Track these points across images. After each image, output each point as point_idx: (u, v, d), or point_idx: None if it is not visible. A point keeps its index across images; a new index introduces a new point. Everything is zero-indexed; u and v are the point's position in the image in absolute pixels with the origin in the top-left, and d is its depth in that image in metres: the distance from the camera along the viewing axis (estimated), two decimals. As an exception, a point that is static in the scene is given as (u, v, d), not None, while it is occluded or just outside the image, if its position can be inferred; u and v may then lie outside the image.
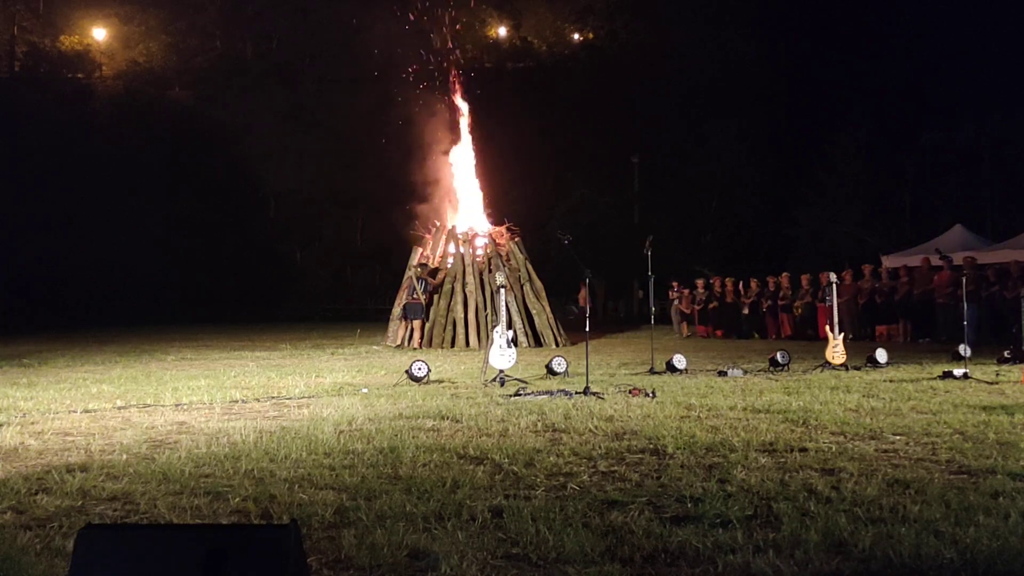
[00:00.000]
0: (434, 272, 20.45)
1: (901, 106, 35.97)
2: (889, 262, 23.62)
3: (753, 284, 23.29)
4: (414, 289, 19.78)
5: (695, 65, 41.41)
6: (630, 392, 9.76)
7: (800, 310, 21.55)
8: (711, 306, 24.01)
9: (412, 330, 19.78)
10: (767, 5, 40.10)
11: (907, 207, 33.47)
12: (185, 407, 9.34)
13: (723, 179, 40.28)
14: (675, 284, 26.13)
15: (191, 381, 12.02)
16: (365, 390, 10.64)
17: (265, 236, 46.64)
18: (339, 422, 7.96)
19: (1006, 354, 12.73)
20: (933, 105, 34.46)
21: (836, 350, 12.89)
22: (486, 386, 10.84)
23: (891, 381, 10.98)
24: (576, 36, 49.53)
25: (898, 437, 6.60)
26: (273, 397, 10.19)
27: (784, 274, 22.62)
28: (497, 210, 23.62)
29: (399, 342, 19.95)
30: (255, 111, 42.67)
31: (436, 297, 20.14)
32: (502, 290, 11.65)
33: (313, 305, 42.81)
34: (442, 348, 19.38)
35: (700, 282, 25.10)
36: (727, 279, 24.14)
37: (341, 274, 48.74)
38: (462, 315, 19.92)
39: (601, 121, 42.49)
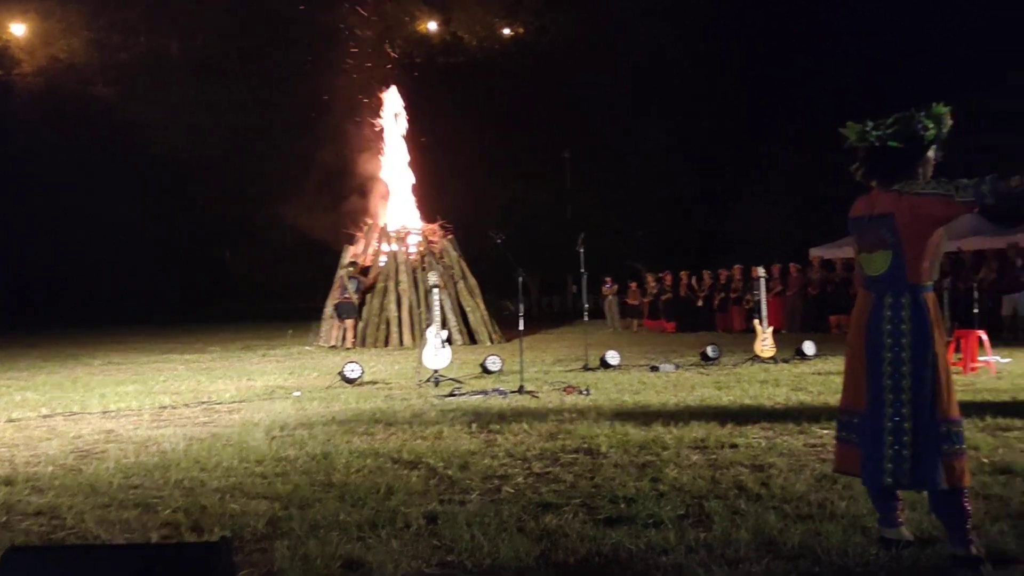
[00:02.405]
0: (365, 271, 20.33)
1: (832, 100, 36.65)
2: (817, 253, 24.04)
3: (706, 277, 23.53)
4: (346, 288, 19.62)
5: (627, 60, 41.62)
6: (564, 390, 9.82)
7: (752, 303, 21.83)
8: (663, 298, 24.20)
9: (345, 330, 19.62)
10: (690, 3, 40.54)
11: (838, 200, 34.05)
12: (113, 414, 9.16)
13: (656, 174, 40.62)
14: (608, 280, 26.31)
15: (119, 387, 11.80)
16: (297, 393, 10.54)
17: (193, 234, 45.87)
18: (271, 427, 7.87)
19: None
20: (863, 99, 35.16)
21: (765, 343, 13.11)
22: (420, 386, 10.81)
23: (819, 374, 11.20)
24: (506, 31, 49.44)
25: (825, 432, 6.72)
26: (203, 402, 10.05)
27: (736, 267, 22.85)
28: (430, 207, 23.53)
29: (332, 342, 19.78)
30: (182, 108, 41.88)
31: (369, 296, 20.02)
32: (435, 290, 11.63)
33: (243, 304, 42.27)
34: (376, 347, 19.26)
35: (650, 276, 25.27)
36: (681, 272, 24.30)
37: (272, 272, 48.14)
38: (395, 314, 19.82)
39: (534, 116, 42.50)
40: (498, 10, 47.17)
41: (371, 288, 20.03)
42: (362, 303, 19.87)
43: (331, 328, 20.04)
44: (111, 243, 42.60)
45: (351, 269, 20.02)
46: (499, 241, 10.90)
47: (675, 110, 39.72)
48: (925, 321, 3.85)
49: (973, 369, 10.64)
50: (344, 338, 19.58)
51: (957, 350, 10.95)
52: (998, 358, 11.32)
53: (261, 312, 39.42)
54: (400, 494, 5.28)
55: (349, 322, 19.48)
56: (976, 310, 12.66)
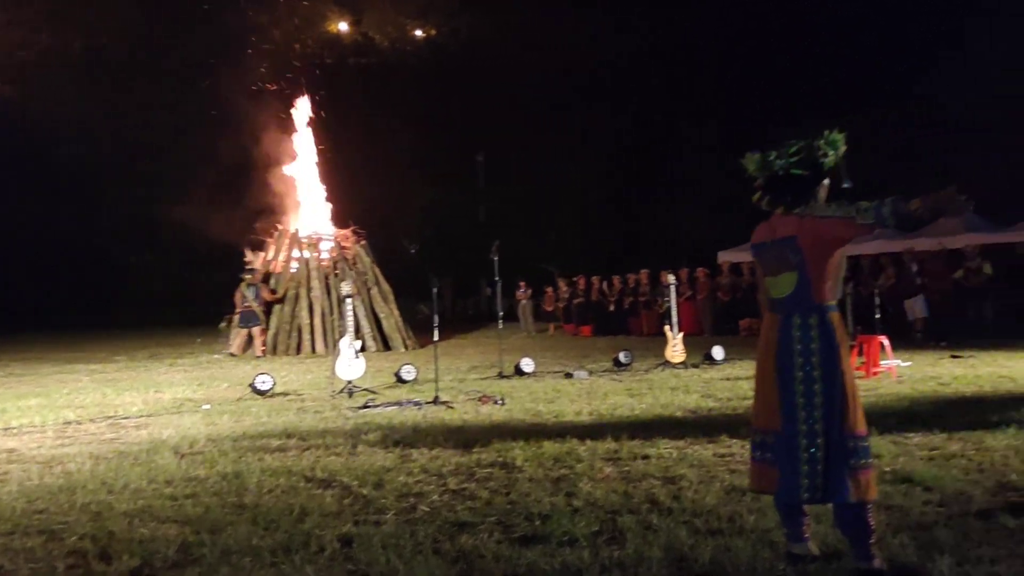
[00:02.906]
0: (267, 278, 20.03)
1: (746, 106, 37.41)
2: (726, 257, 24.49)
3: (616, 282, 23.78)
4: (246, 297, 19.31)
5: (540, 62, 41.81)
6: (479, 400, 9.83)
7: (664, 307, 22.14)
8: (576, 303, 24.38)
9: (252, 337, 19.33)
10: (616, 2, 40.93)
11: (745, 204, 34.69)
12: (14, 431, 8.88)
13: (570, 177, 40.94)
14: (522, 284, 26.42)
15: (20, 401, 11.43)
16: (207, 407, 10.35)
17: (97, 238, 44.64)
18: (180, 445, 7.72)
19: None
20: (776, 105, 35.98)
21: (675, 349, 13.32)
22: (334, 398, 10.71)
23: (728, 379, 11.42)
24: (418, 32, 49.21)
25: (734, 441, 6.86)
26: (109, 417, 9.81)
27: (643, 271, 23.14)
28: (343, 211, 23.32)
29: (241, 350, 19.45)
30: (86, 107, 40.74)
31: (281, 303, 19.75)
32: (348, 299, 11.53)
33: (149, 310, 41.27)
34: (287, 355, 19.02)
35: (563, 281, 25.45)
36: (593, 277, 24.52)
37: (178, 277, 47.08)
38: (307, 321, 19.61)
39: (448, 118, 42.48)
40: (409, 11, 46.91)
41: (280, 300, 19.76)
42: (268, 310, 19.60)
43: (239, 336, 19.71)
44: (7, 246, 41.14)
45: (250, 276, 19.68)
46: (412, 251, 10.87)
47: (588, 114, 40.06)
48: (832, 339, 3.97)
49: (875, 374, 10.97)
50: (250, 344, 19.27)
51: (860, 355, 11.28)
52: (899, 362, 11.69)
53: (168, 318, 38.55)
54: (314, 515, 5.23)
55: (256, 329, 19.20)
56: (877, 315, 13.05)
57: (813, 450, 3.90)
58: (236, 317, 19.65)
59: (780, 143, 4.22)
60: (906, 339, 15.56)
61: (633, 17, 40.57)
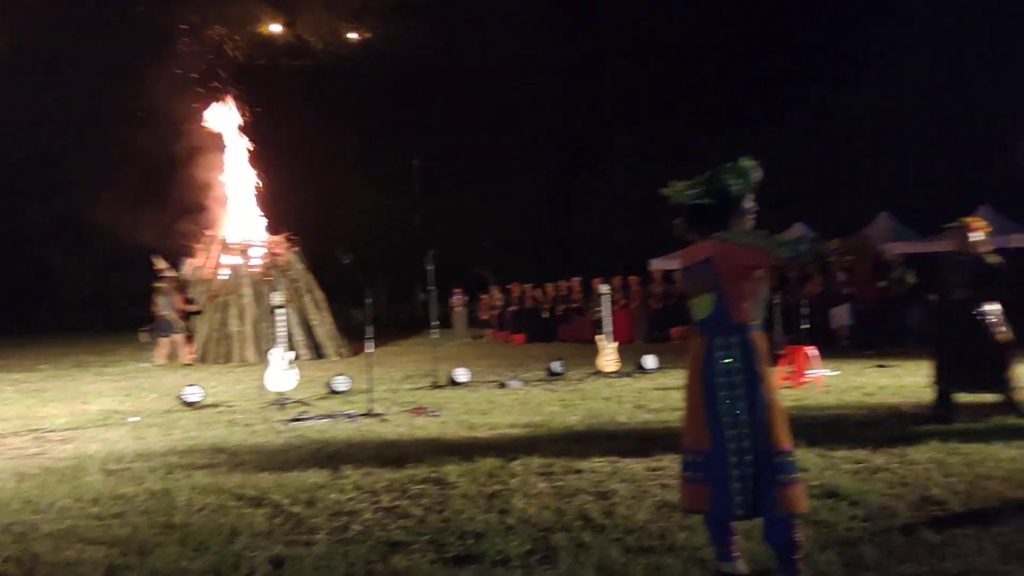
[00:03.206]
0: (183, 286, 19.74)
1: (674, 115, 37.93)
2: (658, 265, 24.75)
3: (549, 289, 23.86)
4: (160, 305, 18.98)
5: (475, 67, 41.83)
6: (414, 411, 9.80)
7: (596, 315, 22.28)
8: (510, 310, 24.41)
9: (174, 345, 19.01)
10: (548, 10, 41.12)
11: (676, 212, 35.09)
12: (-69, 448, 8.62)
13: (503, 182, 41.04)
14: (457, 290, 26.41)
15: (-62, 414, 11.10)
16: (135, 419, 10.16)
17: (18, 238, 43.48)
18: (107, 460, 7.57)
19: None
20: (704, 114, 36.52)
21: (608, 358, 13.42)
22: (264, 410, 10.57)
23: (660, 389, 11.53)
24: (353, 35, 48.90)
25: (665, 455, 6.91)
26: (34, 430, 9.59)
27: (575, 279, 23.27)
28: (276, 216, 23.03)
29: (169, 358, 19.08)
30: (15, 105, 39.69)
31: (210, 310, 19.46)
32: (280, 310, 11.40)
33: (73, 314, 40.36)
34: (217, 364, 18.73)
35: (495, 288, 25.46)
36: (527, 284, 24.57)
37: (105, 280, 46.09)
38: (238, 329, 19.33)
39: (383, 122, 42.30)
40: (344, 14, 46.61)
41: (196, 312, 19.48)
42: (189, 317, 19.31)
43: (159, 346, 19.30)
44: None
45: (163, 284, 19.35)
46: (346, 262, 10.78)
47: (522, 119, 40.19)
48: (753, 359, 4.07)
49: (803, 384, 11.16)
50: (174, 352, 18.95)
51: (788, 365, 11.48)
52: (826, 371, 11.90)
53: (93, 323, 37.75)
54: (244, 536, 5.17)
55: (178, 337, 18.87)
56: (805, 325, 13.28)
57: (743, 467, 3.98)
58: (155, 326, 19.34)
59: (698, 171, 4.35)
60: (832, 347, 15.87)
61: (565, 27, 40.84)
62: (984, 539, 4.60)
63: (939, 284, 8.22)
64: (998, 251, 8.58)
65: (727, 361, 4.08)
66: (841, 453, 6.78)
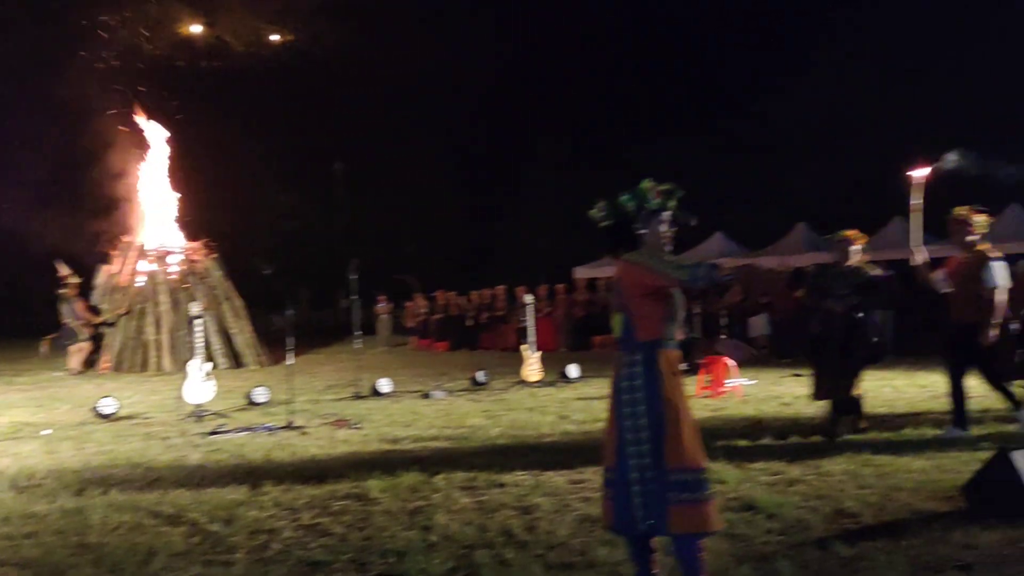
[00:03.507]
0: (84, 292, 19.28)
1: (595, 123, 38.32)
2: (582, 273, 24.95)
3: (474, 297, 23.84)
4: (63, 313, 18.53)
5: (400, 72, 41.67)
6: (335, 424, 9.70)
7: (521, 324, 22.30)
8: (435, 318, 24.32)
9: (94, 353, 18.56)
10: (473, 17, 41.16)
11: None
12: None
13: (426, 189, 41.00)
14: (381, 298, 26.24)
15: None
16: (47, 432, 9.87)
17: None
18: (17, 477, 7.35)
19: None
20: (631, 122, 36.98)
21: (532, 367, 13.48)
22: (182, 422, 10.36)
23: (582, 399, 11.62)
24: (275, 37, 48.30)
25: (588, 467, 6.93)
26: (-61, 445, 9.24)
27: (500, 287, 23.29)
28: (194, 221, 22.60)
29: (83, 367, 18.58)
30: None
31: (127, 318, 19.02)
32: (198, 320, 11.19)
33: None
34: (132, 373, 18.31)
35: (420, 296, 25.35)
36: (451, 292, 24.51)
37: (16, 282, 44.73)
38: (154, 337, 18.93)
39: (305, 125, 41.90)
40: (266, 15, 46.02)
41: (104, 323, 19.06)
42: (96, 327, 18.88)
43: (70, 354, 18.79)
44: None
45: (66, 291, 18.87)
46: (266, 273, 10.64)
47: (447, 126, 40.19)
48: (656, 378, 4.12)
49: (722, 393, 11.35)
50: (85, 360, 18.49)
51: (707, 374, 11.66)
52: (744, 380, 12.11)
53: (4, 328, 36.61)
54: (161, 556, 5.07)
55: (84, 345, 18.44)
56: (723, 336, 13.50)
57: (645, 483, 4.02)
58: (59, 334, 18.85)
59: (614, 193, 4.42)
60: (751, 356, 16.16)
61: (490, 34, 40.94)
62: (894, 552, 4.72)
63: (820, 294, 8.28)
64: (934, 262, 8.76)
65: (628, 382, 4.15)
66: (759, 465, 6.90)
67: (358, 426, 9.55)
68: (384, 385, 12.66)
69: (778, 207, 29.43)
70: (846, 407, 8.13)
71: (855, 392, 8.14)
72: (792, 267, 19.44)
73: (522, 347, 13.91)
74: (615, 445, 4.17)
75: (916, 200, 8.07)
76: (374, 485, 6.60)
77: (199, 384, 10.78)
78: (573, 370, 13.91)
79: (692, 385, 12.08)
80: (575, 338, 21.38)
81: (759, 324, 17.66)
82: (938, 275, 8.21)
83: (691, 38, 38.50)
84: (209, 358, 17.55)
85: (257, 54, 44.39)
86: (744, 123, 31.18)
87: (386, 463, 7.44)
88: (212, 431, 9.39)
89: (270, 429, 9.42)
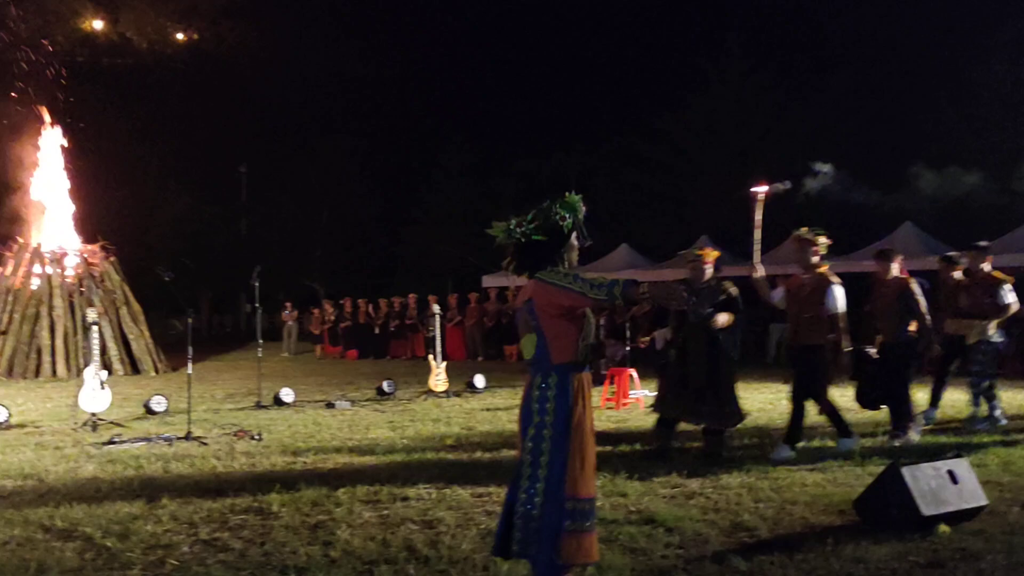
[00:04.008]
0: None
1: (500, 133, 38.57)
2: (490, 282, 24.98)
3: (383, 305, 23.67)
4: None
5: (306, 76, 41.24)
6: (235, 435, 9.53)
7: (430, 333, 22.20)
8: (343, 325, 24.06)
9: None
10: (381, 24, 41.01)
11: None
12: None
13: (333, 194, 40.65)
14: (287, 304, 25.91)
15: None
16: (-69, 442, 9.48)
17: None
18: (-102, 490, 7.03)
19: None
20: (528, 134, 37.29)
21: (439, 378, 13.46)
22: (76, 431, 10.05)
23: (488, 409, 11.66)
24: (180, 36, 47.26)
25: (493, 480, 6.96)
26: None
27: (411, 295, 23.19)
28: (92, 223, 21.96)
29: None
30: None
31: (19, 321, 18.37)
32: (95, 326, 10.88)
33: None
34: (26, 378, 17.71)
35: (328, 302, 25.05)
36: (360, 299, 24.29)
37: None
38: (48, 342, 18.33)
39: (208, 126, 41.17)
40: (171, 13, 45.07)
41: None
42: None
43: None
44: None
45: None
46: (167, 279, 10.39)
47: (354, 130, 39.94)
48: (567, 401, 4.07)
49: (625, 405, 11.51)
50: None
51: (611, 385, 11.81)
52: (647, 392, 12.26)
53: None
54: (53, 572, 4.93)
55: None
56: (627, 347, 13.68)
57: (529, 507, 4.01)
58: None
59: (522, 211, 4.31)
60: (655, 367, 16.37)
61: (395, 38, 40.87)
62: (789, 566, 4.85)
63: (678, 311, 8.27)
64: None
65: (539, 405, 4.09)
66: (659, 478, 7.02)
67: (259, 437, 9.39)
68: (287, 395, 12.49)
69: (681, 220, 30.04)
70: (728, 422, 8.12)
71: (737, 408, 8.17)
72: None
73: (429, 356, 13.87)
74: (517, 468, 4.15)
75: (758, 216, 8.26)
76: (275, 499, 6.50)
77: (95, 392, 10.47)
78: (480, 380, 13.95)
79: (596, 396, 12.24)
80: (486, 348, 21.45)
81: (665, 336, 17.90)
82: (777, 292, 8.45)
83: (598, 50, 39.08)
84: (106, 365, 17.17)
85: (161, 53, 43.40)
86: (648, 137, 31.67)
87: (287, 476, 7.35)
88: (108, 441, 9.13)
89: (168, 439, 9.21)
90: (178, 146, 41.18)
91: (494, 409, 11.60)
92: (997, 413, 9.61)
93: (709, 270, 8.21)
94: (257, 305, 13.34)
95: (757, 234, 8.39)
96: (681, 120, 31.30)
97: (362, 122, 40.15)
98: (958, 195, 16.50)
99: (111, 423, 10.38)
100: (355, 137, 39.51)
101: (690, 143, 31.63)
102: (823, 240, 8.10)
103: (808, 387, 8.03)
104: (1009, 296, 9.35)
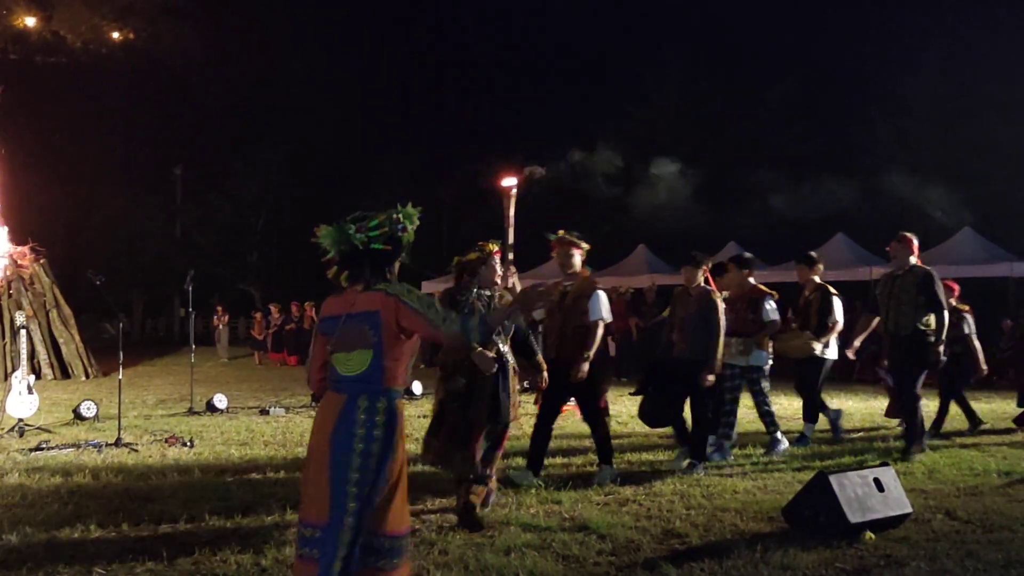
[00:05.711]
0: None
1: (439, 139, 38.62)
2: (431, 287, 24.91)
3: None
4: None
5: (243, 77, 40.86)
6: (166, 441, 9.39)
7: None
8: (288, 328, 23.74)
9: None
10: (320, 28, 40.83)
11: (445, 234, 35.74)
12: None
13: (270, 197, 40.29)
14: (219, 308, 25.56)
15: None
16: None
17: None
18: None
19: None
20: (467, 141, 37.38)
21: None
22: (2, 438, 9.80)
23: (425, 416, 11.57)
24: (116, 35, 46.46)
25: (425, 493, 6.95)
26: None
27: None
28: (21, 224, 21.45)
29: None
30: None
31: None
32: (23, 329, 10.64)
33: None
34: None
35: (274, 307, 24.70)
36: (306, 304, 24.02)
37: None
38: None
39: (144, 126, 40.61)
40: (107, 12, 44.32)
41: None
42: None
43: None
44: None
45: None
46: (98, 283, 10.19)
47: (292, 134, 39.66)
48: (395, 428, 3.81)
49: (561, 411, 11.51)
50: None
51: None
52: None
53: None
54: (-28, 585, 4.80)
55: None
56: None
57: (354, 543, 3.71)
58: None
59: (359, 214, 4.09)
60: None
61: (337, 43, 40.73)
62: (718, 573, 4.93)
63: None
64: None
65: (364, 430, 3.75)
66: (593, 485, 7.07)
67: (191, 444, 9.26)
68: (220, 401, 12.33)
69: (621, 230, 30.28)
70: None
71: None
72: (631, 288, 20.01)
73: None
74: (328, 499, 3.72)
75: (511, 212, 7.55)
76: (205, 507, 6.41)
77: (22, 396, 10.23)
78: (417, 387, 13.91)
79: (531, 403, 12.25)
80: (429, 353, 21.30)
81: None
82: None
83: (533, 59, 39.35)
84: (34, 369, 16.83)
85: (96, 51, 42.64)
86: (590, 144, 31.90)
87: (219, 483, 7.26)
88: (35, 447, 8.91)
89: (98, 446, 9.03)
90: (113, 146, 40.51)
91: (429, 416, 11.53)
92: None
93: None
94: (191, 309, 13.16)
95: (510, 233, 7.78)
96: (620, 127, 31.58)
97: (300, 126, 39.91)
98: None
99: (39, 429, 10.16)
100: (293, 141, 39.23)
101: (630, 153, 31.91)
102: (584, 244, 7.45)
103: (590, 408, 7.43)
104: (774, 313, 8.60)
